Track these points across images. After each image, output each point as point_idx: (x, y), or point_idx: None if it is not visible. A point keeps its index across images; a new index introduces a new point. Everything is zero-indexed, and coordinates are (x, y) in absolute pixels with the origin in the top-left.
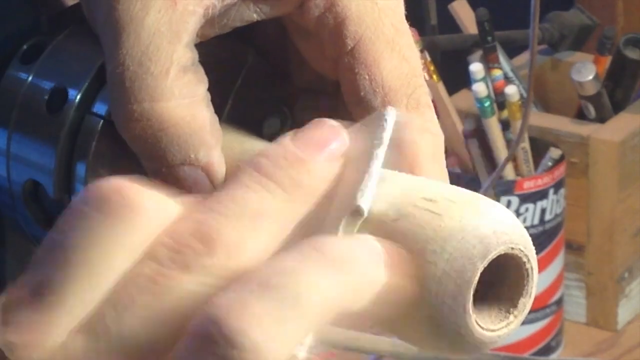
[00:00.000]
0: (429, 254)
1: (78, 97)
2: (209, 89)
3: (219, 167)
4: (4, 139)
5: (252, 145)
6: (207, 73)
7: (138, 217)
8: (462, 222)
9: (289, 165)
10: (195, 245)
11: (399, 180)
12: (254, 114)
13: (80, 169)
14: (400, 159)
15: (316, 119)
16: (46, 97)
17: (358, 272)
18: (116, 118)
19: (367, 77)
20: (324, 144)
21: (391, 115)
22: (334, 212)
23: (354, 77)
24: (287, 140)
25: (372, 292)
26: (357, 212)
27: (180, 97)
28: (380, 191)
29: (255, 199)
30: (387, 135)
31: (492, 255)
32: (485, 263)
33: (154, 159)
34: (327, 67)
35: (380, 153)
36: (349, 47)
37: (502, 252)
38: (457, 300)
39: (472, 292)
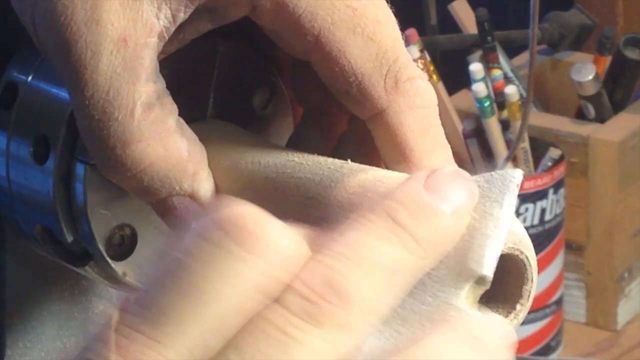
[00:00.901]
0: None
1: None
2: (190, 89)
3: (206, 192)
4: (3, 139)
5: (246, 144)
6: (184, 75)
7: (260, 246)
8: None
9: (427, 219)
10: (331, 298)
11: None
12: (241, 93)
13: (80, 168)
14: (389, 146)
15: (449, 168)
16: (32, 149)
17: None
18: (97, 165)
19: (337, 69)
20: (459, 198)
21: (518, 177)
22: (448, 273)
23: (326, 72)
24: (420, 187)
25: None
26: (482, 280)
27: (150, 136)
28: None
29: (392, 251)
30: (512, 198)
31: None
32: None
33: (143, 195)
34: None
35: (504, 218)
36: (311, 44)
37: (502, 253)
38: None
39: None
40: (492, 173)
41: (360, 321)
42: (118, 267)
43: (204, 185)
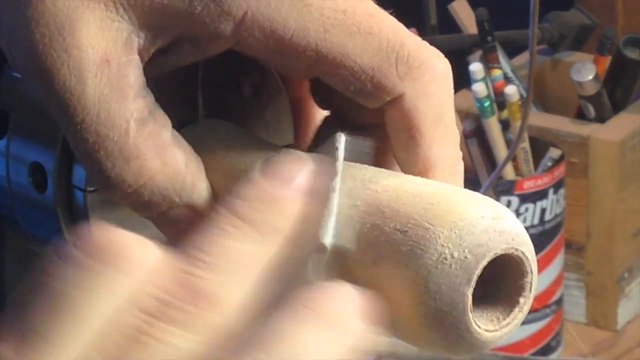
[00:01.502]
0: (427, 258)
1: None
2: (177, 93)
3: (205, 202)
4: (3, 140)
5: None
6: (168, 81)
7: (125, 263)
8: (460, 222)
9: (263, 206)
10: (182, 297)
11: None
12: (230, 85)
13: (79, 173)
14: (401, 131)
15: (285, 150)
16: (31, 178)
17: (349, 330)
18: (98, 186)
19: (346, 72)
20: (293, 178)
21: (341, 142)
22: (302, 250)
23: (336, 79)
24: (258, 177)
25: (356, 345)
26: (321, 249)
27: (147, 151)
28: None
29: (234, 244)
30: (339, 165)
31: (491, 256)
32: (484, 263)
33: (144, 210)
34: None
35: (336, 185)
36: (312, 59)
37: (501, 253)
38: (456, 302)
39: (471, 294)
40: (323, 144)
41: (212, 316)
42: None
43: (203, 195)
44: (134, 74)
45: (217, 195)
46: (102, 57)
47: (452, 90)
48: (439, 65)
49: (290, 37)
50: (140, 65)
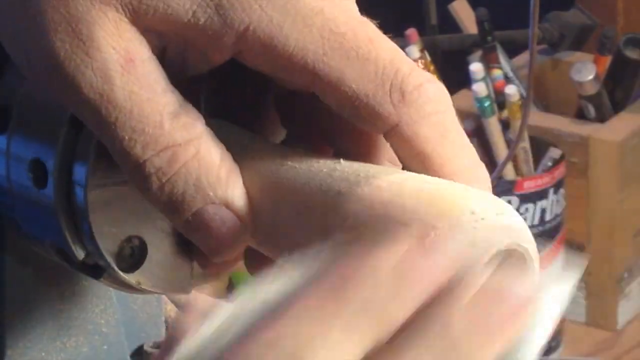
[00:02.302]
0: None
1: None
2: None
3: (239, 200)
4: (3, 139)
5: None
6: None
7: None
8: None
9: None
10: None
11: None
12: (233, 85)
13: (80, 171)
14: (409, 158)
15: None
16: (31, 174)
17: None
18: (133, 181)
19: (340, 96)
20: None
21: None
22: None
23: (331, 100)
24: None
25: None
26: None
27: (182, 140)
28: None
29: None
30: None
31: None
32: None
33: (178, 209)
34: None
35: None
36: (310, 79)
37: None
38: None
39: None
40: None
41: None
42: (131, 277)
43: (237, 193)
44: (158, 70)
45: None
46: (126, 56)
47: (451, 107)
48: (430, 88)
49: (290, 55)
50: (159, 62)
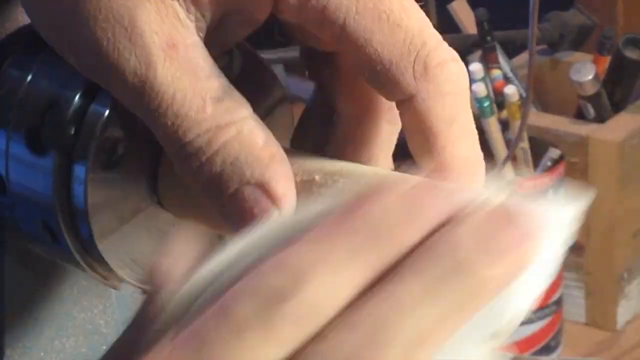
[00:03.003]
0: None
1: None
2: None
3: (278, 184)
4: (2, 139)
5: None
6: None
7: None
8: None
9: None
10: None
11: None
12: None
13: (80, 170)
14: (415, 131)
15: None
16: (26, 142)
17: None
18: (176, 165)
19: (364, 57)
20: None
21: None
22: None
23: (354, 60)
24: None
25: None
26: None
27: (225, 123)
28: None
29: None
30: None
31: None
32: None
33: (215, 188)
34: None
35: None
36: (337, 35)
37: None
38: None
39: None
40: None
41: None
42: (118, 269)
43: (278, 175)
44: (202, 55)
45: None
46: (168, 42)
47: (468, 92)
48: (454, 67)
49: (323, 8)
50: (204, 47)
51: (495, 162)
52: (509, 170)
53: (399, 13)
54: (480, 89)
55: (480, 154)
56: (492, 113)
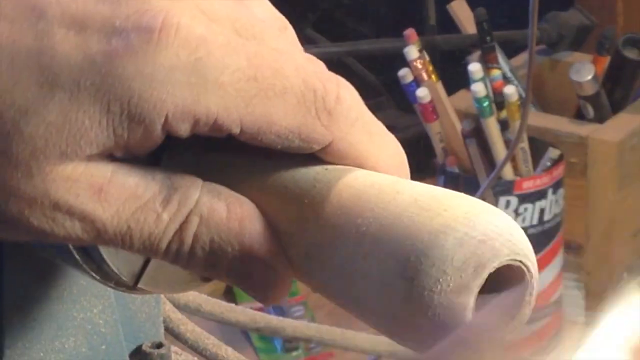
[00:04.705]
0: (427, 264)
1: None
2: None
3: (263, 239)
4: None
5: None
6: None
7: None
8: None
9: None
10: None
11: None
12: None
13: None
14: (345, 162)
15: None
16: None
17: None
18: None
19: (274, 137)
20: None
21: None
22: None
23: (266, 142)
24: None
25: None
26: None
27: (183, 218)
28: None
29: None
30: None
31: (503, 261)
32: (485, 276)
33: (214, 274)
34: None
35: None
36: (238, 132)
37: (512, 263)
38: (461, 296)
39: (476, 293)
40: None
41: None
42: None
43: (256, 233)
44: (130, 174)
45: (269, 215)
46: (93, 190)
47: (361, 99)
48: (346, 93)
49: (215, 120)
50: (123, 163)
51: (494, 162)
52: (508, 170)
53: (278, 81)
54: (480, 89)
55: (399, 148)
56: (491, 113)
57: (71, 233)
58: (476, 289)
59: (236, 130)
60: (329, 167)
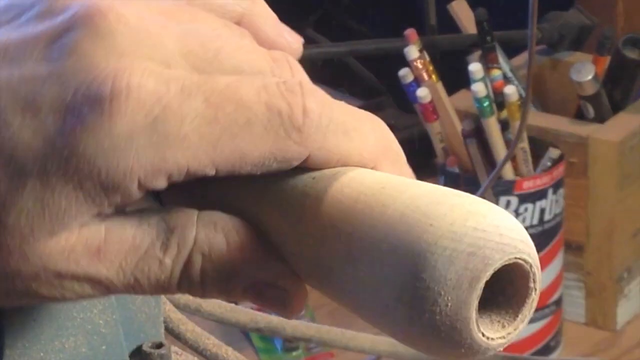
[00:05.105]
0: (422, 288)
1: None
2: None
3: (268, 261)
4: None
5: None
6: None
7: None
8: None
9: None
10: None
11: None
12: None
13: None
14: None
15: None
16: None
17: None
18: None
19: (252, 168)
20: None
21: None
22: None
23: (245, 173)
24: None
25: None
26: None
27: (183, 260)
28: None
29: None
30: None
31: (496, 267)
32: (482, 286)
33: (228, 296)
34: None
35: None
36: (213, 173)
37: (507, 263)
38: (461, 312)
39: (475, 307)
40: None
41: None
42: None
43: (259, 258)
44: (123, 228)
45: (269, 234)
46: (92, 251)
47: (329, 98)
48: (311, 102)
49: (187, 171)
50: (116, 217)
51: (495, 162)
52: (508, 170)
53: (241, 111)
54: (480, 89)
55: (386, 132)
56: (491, 113)
57: (82, 294)
58: (475, 301)
59: (211, 172)
60: (317, 175)
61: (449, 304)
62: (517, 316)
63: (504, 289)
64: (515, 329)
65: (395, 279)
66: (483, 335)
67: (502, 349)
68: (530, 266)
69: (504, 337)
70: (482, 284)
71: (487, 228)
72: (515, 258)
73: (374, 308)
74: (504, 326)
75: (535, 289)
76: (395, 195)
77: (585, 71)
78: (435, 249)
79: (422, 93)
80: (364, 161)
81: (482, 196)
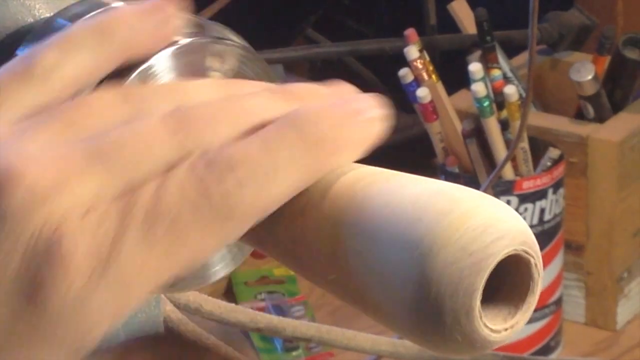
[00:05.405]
0: (425, 306)
1: None
2: None
3: None
4: None
5: None
6: None
7: None
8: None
9: None
10: None
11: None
12: None
13: None
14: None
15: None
16: None
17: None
18: None
19: (189, 262)
20: None
21: None
22: None
23: None
24: None
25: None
26: None
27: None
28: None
29: None
30: None
31: (499, 258)
32: (480, 290)
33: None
34: None
35: None
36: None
37: (509, 254)
38: (464, 305)
39: (479, 297)
40: None
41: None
42: None
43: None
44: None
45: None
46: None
47: (238, 113)
48: (230, 148)
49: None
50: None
51: (494, 162)
52: (508, 170)
53: (172, 223)
54: (480, 88)
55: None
56: (491, 113)
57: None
58: (476, 306)
59: (171, 280)
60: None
61: (452, 315)
62: (521, 307)
63: (506, 281)
64: (519, 321)
65: (398, 271)
66: (487, 327)
67: (505, 342)
68: (532, 257)
69: (507, 329)
70: (479, 290)
71: (474, 232)
72: (517, 249)
73: (388, 318)
74: (507, 318)
75: (538, 278)
76: (396, 190)
77: (585, 71)
78: (430, 272)
79: (422, 93)
80: (316, 175)
81: None
